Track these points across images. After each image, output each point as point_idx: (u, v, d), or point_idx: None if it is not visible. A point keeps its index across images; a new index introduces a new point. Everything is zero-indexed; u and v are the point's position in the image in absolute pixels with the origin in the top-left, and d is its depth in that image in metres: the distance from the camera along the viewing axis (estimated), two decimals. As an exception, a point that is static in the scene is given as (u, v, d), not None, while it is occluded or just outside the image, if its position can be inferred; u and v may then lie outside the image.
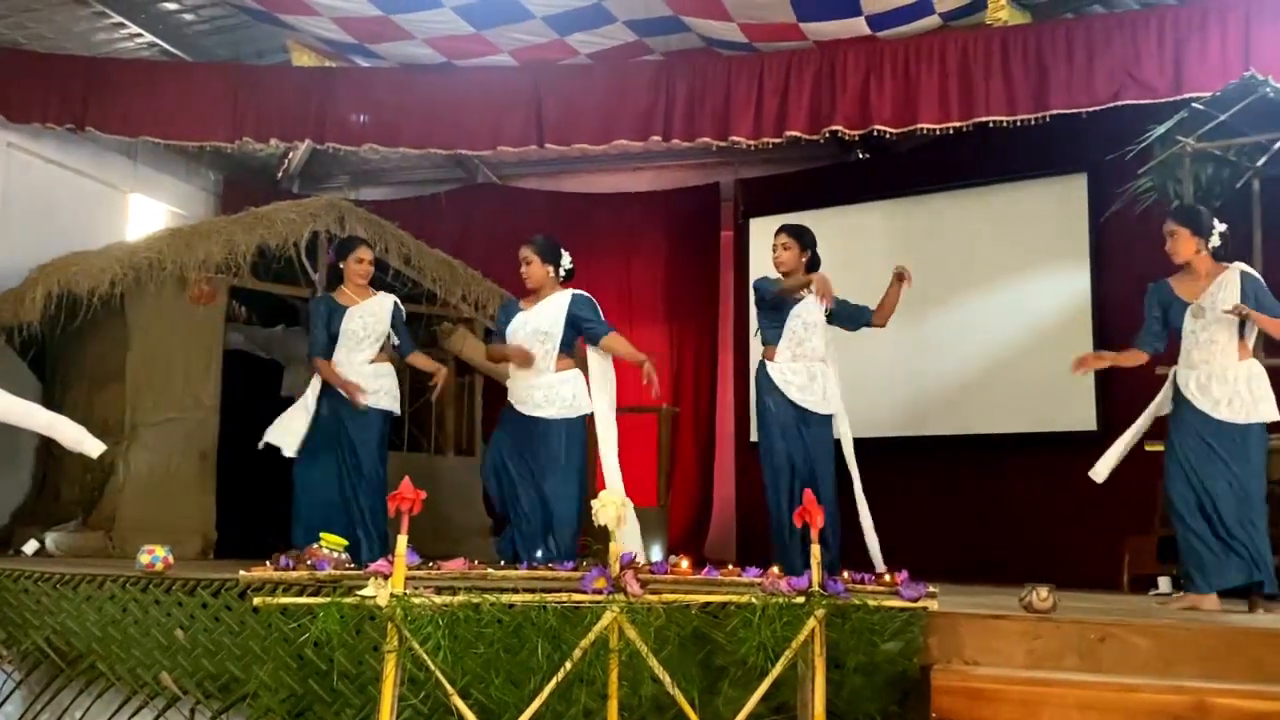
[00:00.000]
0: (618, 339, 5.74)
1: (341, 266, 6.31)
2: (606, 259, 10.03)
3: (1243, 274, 4.83)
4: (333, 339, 6.14)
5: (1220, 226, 4.91)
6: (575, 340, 5.78)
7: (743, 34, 7.31)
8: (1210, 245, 4.88)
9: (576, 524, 5.64)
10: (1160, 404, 4.98)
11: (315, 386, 6.14)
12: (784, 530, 5.59)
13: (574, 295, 5.75)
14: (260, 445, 6.11)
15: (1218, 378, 4.76)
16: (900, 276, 5.78)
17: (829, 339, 5.85)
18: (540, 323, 5.68)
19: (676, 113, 7.51)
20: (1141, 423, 5.01)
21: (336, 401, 6.08)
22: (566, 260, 5.83)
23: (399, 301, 6.35)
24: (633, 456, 9.34)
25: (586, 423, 5.80)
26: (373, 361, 6.15)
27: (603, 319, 5.77)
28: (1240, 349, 4.82)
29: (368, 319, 6.15)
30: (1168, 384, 4.96)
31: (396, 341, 6.27)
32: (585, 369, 5.82)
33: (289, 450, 6.04)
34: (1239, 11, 6.35)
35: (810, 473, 5.62)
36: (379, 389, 6.13)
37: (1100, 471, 5.00)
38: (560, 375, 5.67)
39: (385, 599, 3.44)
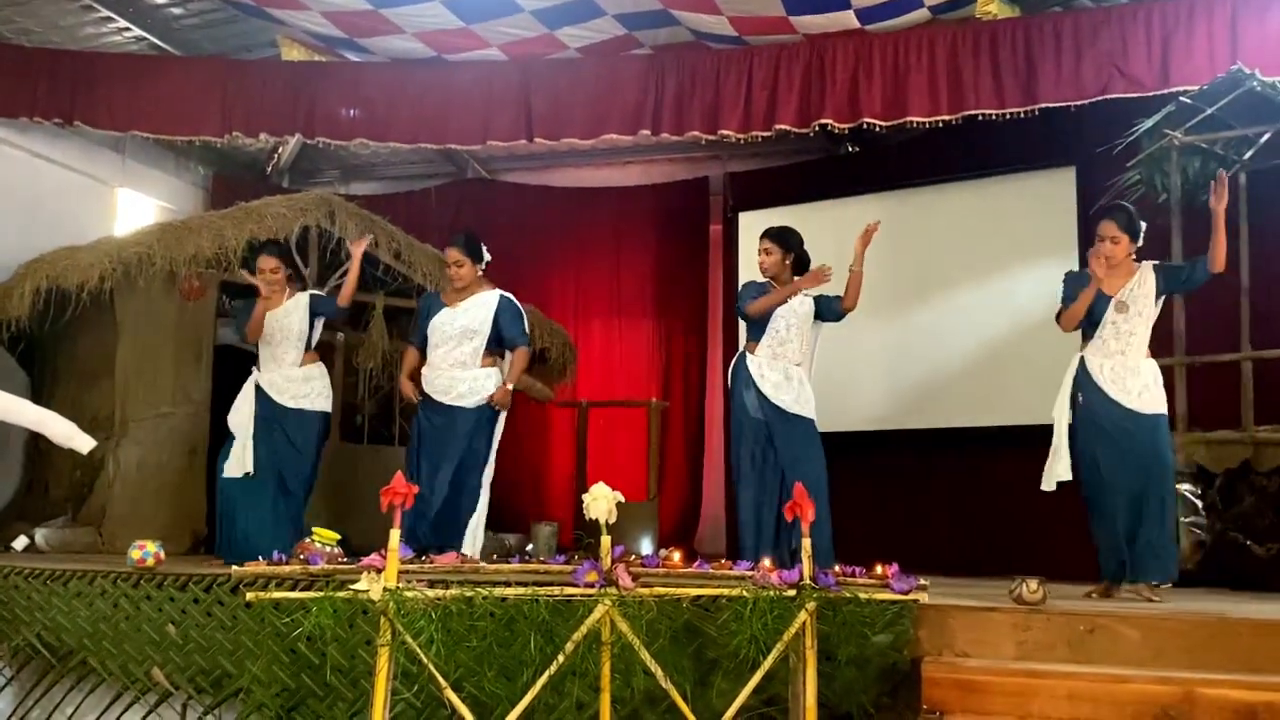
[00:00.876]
0: (522, 357, 5.93)
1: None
2: (595, 253, 10.06)
3: (1155, 267, 5.07)
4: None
5: (1142, 226, 5.11)
6: (500, 338, 5.94)
7: (732, 27, 7.31)
8: (1136, 247, 5.10)
9: (485, 512, 5.85)
10: (1068, 390, 5.09)
11: (249, 400, 6.15)
12: (744, 527, 5.60)
13: (501, 298, 5.93)
14: (222, 477, 6.13)
15: (1130, 370, 4.97)
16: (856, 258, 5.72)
17: (813, 344, 5.84)
18: (470, 321, 5.87)
19: (665, 107, 7.51)
20: (1062, 416, 5.09)
21: (268, 405, 6.11)
22: (486, 254, 5.99)
23: (315, 293, 6.37)
24: (623, 451, 9.42)
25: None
26: (302, 365, 6.19)
27: (524, 330, 5.97)
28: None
29: (284, 320, 6.17)
30: (1072, 369, 5.09)
31: (316, 337, 6.31)
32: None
33: (248, 470, 6.05)
34: (1225, 5, 6.36)
35: (787, 470, 5.59)
36: (310, 391, 6.18)
37: (1050, 483, 5.07)
38: (485, 370, 5.88)
39: (378, 593, 3.45)
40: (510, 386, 5.84)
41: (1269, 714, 3.31)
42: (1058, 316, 5.23)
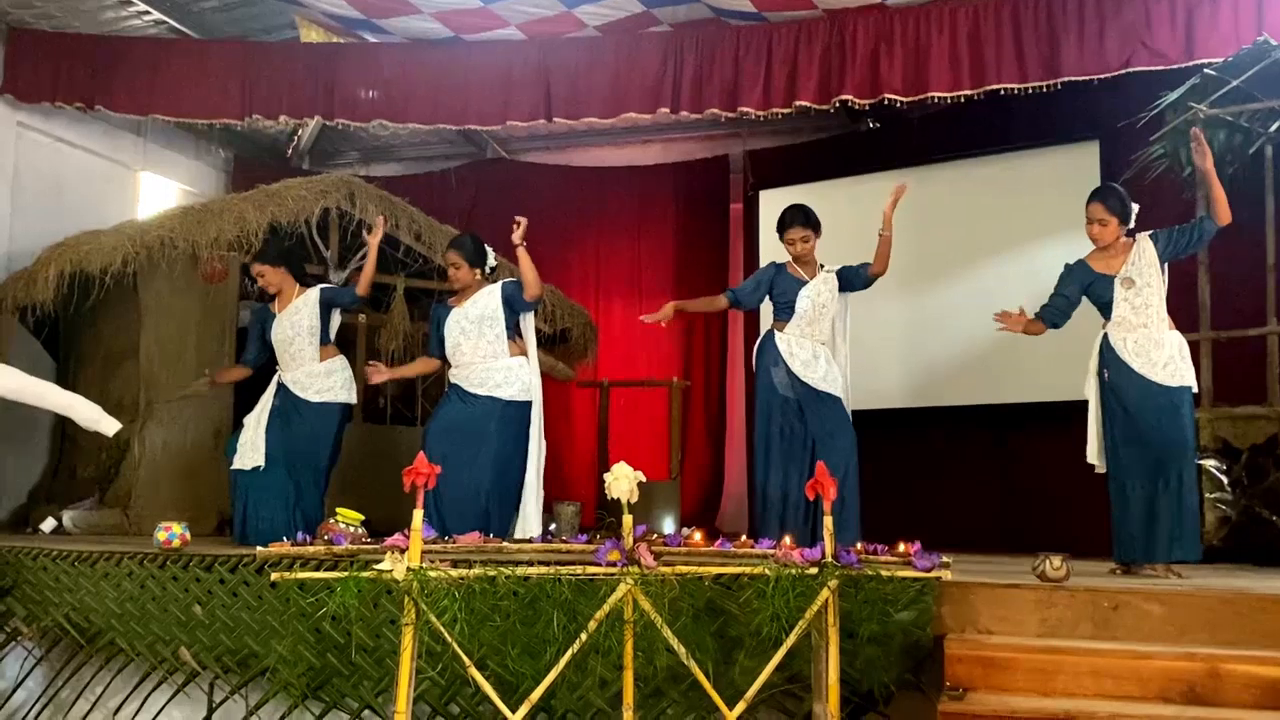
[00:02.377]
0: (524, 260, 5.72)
1: None
2: (615, 232, 10.06)
3: (1151, 235, 5.10)
4: (271, 347, 6.23)
5: (1134, 208, 5.14)
6: (516, 323, 5.86)
7: (751, 3, 7.26)
8: (1127, 228, 5.13)
9: (517, 498, 5.75)
10: (1094, 368, 5.14)
11: (270, 393, 6.19)
12: (771, 504, 5.63)
13: (504, 284, 5.87)
14: (233, 469, 6.15)
15: (1154, 342, 4.98)
16: (888, 220, 5.78)
17: (843, 319, 5.85)
18: (483, 310, 5.79)
19: (685, 85, 7.48)
20: (1094, 394, 5.14)
21: (290, 398, 6.13)
22: (491, 258, 5.95)
23: (325, 286, 6.38)
24: (644, 430, 9.43)
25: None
26: (322, 359, 6.19)
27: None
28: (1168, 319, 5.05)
29: (294, 319, 6.17)
30: (1096, 348, 5.12)
31: (335, 329, 6.31)
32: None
33: (259, 463, 6.06)
34: (1251, -24, 6.29)
35: (814, 447, 5.59)
36: (333, 384, 6.20)
37: (1098, 461, 5.14)
38: (517, 360, 5.80)
39: (402, 573, 3.46)
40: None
41: (1295, 690, 3.30)
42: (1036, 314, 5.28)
